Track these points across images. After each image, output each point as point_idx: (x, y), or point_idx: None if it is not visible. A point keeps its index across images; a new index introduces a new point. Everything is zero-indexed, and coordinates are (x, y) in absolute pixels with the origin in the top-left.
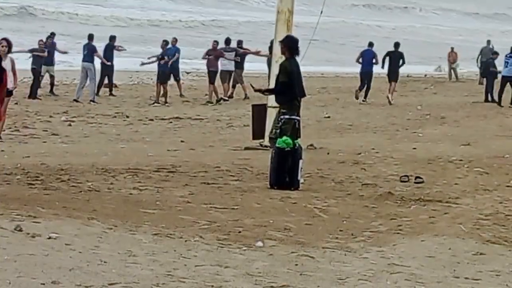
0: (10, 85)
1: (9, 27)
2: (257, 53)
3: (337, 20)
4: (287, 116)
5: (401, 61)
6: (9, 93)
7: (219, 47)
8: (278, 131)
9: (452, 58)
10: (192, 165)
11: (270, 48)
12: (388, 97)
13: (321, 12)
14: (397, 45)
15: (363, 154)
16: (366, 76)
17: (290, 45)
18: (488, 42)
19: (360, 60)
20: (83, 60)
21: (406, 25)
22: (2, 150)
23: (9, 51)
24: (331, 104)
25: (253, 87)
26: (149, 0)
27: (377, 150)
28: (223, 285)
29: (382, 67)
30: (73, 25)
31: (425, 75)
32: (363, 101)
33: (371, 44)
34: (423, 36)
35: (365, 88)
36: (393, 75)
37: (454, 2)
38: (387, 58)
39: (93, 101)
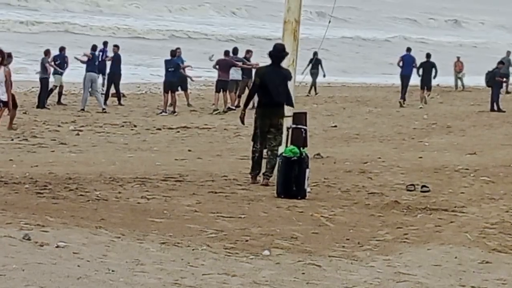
0: (2, 96)
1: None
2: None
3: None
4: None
5: (434, 71)
6: (4, 104)
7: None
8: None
9: (458, 67)
10: (200, 174)
11: (311, 60)
12: (422, 100)
13: (329, 21)
14: (428, 55)
15: (370, 163)
16: (406, 79)
17: (271, 53)
18: (508, 53)
19: (401, 63)
20: (90, 71)
21: (436, 39)
22: (11, 159)
23: (2, 62)
24: (337, 114)
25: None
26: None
27: (384, 159)
28: None
29: (418, 75)
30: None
31: (438, 85)
32: (402, 101)
33: (409, 49)
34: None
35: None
36: (426, 83)
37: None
38: (421, 69)
39: (105, 110)
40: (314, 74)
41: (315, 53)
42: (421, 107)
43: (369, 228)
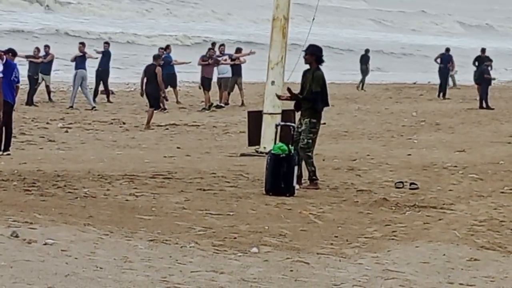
0: None
1: None
2: (251, 53)
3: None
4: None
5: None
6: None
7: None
8: (310, 141)
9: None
10: (188, 171)
11: (362, 57)
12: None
13: (313, 18)
14: (483, 50)
15: (358, 160)
16: (442, 75)
17: (319, 54)
18: None
19: (438, 60)
20: (81, 68)
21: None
22: None
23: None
24: (326, 111)
25: (286, 96)
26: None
27: (372, 157)
28: None
29: (475, 65)
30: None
31: (428, 82)
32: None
33: (448, 50)
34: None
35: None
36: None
37: None
38: (476, 62)
39: (95, 107)
40: (363, 70)
41: (367, 50)
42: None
43: (358, 226)
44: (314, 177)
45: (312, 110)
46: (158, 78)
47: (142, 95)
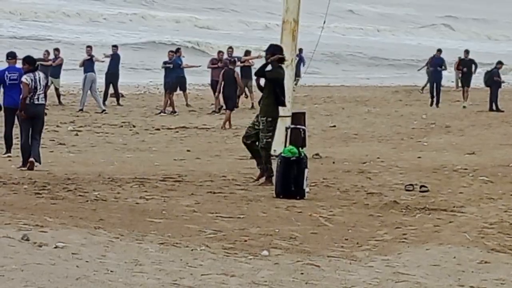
0: None
1: None
2: (259, 57)
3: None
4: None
5: (473, 67)
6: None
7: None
8: (270, 140)
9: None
10: (198, 174)
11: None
12: (465, 99)
13: (324, 22)
14: (467, 52)
15: (368, 163)
16: (435, 79)
17: (279, 54)
18: None
19: (429, 64)
20: (90, 71)
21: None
22: (10, 160)
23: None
24: (336, 114)
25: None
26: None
27: (382, 159)
28: None
29: (460, 69)
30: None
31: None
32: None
33: (439, 51)
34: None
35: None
36: (466, 80)
37: None
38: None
39: (105, 111)
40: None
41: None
42: (464, 106)
43: (368, 228)
44: (272, 174)
45: (269, 108)
46: (238, 81)
47: (217, 98)
